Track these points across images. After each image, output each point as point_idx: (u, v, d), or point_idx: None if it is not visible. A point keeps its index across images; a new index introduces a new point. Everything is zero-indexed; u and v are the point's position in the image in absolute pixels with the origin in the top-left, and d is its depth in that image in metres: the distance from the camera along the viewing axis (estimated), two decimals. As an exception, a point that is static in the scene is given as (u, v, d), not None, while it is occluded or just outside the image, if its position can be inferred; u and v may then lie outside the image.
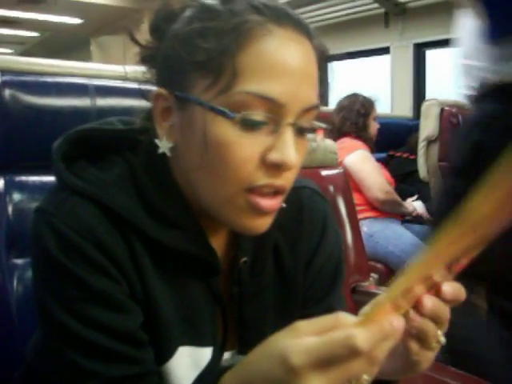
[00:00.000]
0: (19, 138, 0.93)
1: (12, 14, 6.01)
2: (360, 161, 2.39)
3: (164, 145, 0.57)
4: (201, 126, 0.52)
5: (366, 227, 2.31)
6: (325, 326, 0.42)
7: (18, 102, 0.91)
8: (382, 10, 3.72)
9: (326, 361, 0.40)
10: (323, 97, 0.61)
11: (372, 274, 2.17)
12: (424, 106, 2.04)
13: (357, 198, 2.36)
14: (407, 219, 2.53)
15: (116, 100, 1.03)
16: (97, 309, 0.54)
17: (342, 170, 1.44)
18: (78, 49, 7.60)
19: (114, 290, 0.54)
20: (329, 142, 1.46)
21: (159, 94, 0.57)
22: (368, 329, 0.40)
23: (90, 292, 0.53)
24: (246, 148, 0.52)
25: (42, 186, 0.96)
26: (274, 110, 0.52)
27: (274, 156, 0.52)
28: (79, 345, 0.53)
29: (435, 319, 0.48)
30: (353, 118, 2.52)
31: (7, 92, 0.90)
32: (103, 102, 1.01)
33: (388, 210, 2.43)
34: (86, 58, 7.13)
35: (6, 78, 0.91)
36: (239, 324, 0.65)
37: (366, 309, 0.43)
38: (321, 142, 1.45)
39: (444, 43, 3.46)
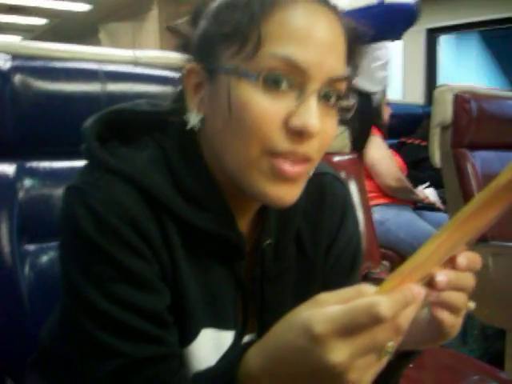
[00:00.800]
0: (29, 123, 0.93)
1: (20, 1, 6.00)
2: (373, 147, 2.36)
3: (194, 117, 0.58)
4: (226, 91, 0.54)
5: (377, 214, 2.30)
6: (347, 297, 0.42)
7: (28, 88, 0.91)
8: (394, -5, 3.67)
9: (350, 329, 0.40)
10: (356, 76, 0.61)
11: (383, 262, 2.17)
12: (437, 92, 2.01)
13: (368, 185, 2.35)
14: (419, 206, 2.51)
15: (126, 85, 1.02)
16: (127, 288, 0.54)
17: (354, 156, 1.42)
18: (87, 36, 7.59)
19: (145, 270, 0.55)
20: (341, 129, 1.45)
21: (191, 70, 0.59)
22: (390, 296, 0.40)
23: (123, 271, 0.54)
24: (269, 110, 0.52)
25: (53, 172, 0.96)
26: (299, 75, 0.52)
27: (295, 121, 0.52)
28: (105, 322, 0.54)
29: (457, 290, 0.48)
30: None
31: (17, 77, 0.90)
32: (113, 86, 1.00)
33: (400, 197, 2.41)
34: (95, 45, 7.11)
35: (17, 62, 0.91)
36: (260, 307, 0.66)
37: (386, 280, 0.42)
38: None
39: (457, 28, 3.42)
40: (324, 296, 0.43)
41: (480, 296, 1.93)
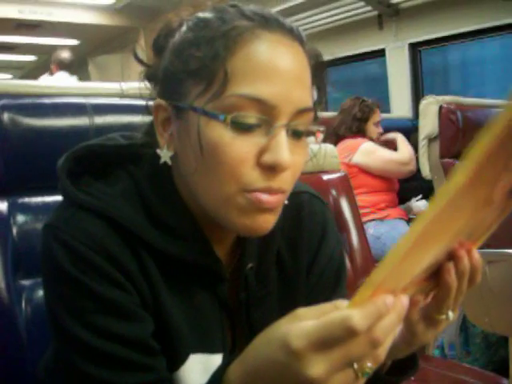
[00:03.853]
0: (20, 160, 0.94)
1: (9, 39, 6.07)
2: (368, 154, 2.40)
3: (165, 154, 0.59)
4: (195, 131, 0.54)
5: (372, 229, 2.31)
6: (324, 311, 0.43)
7: (17, 125, 0.92)
8: (376, 13, 3.73)
9: (326, 343, 0.40)
10: (322, 103, 0.62)
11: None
12: (422, 105, 2.04)
13: (363, 201, 2.36)
14: (413, 219, 2.53)
15: (114, 117, 1.03)
16: (109, 319, 0.55)
17: (343, 174, 1.44)
18: (77, 69, 7.65)
19: (125, 299, 0.56)
20: (329, 147, 1.46)
21: (158, 106, 0.59)
22: (363, 308, 0.40)
23: (102, 303, 0.55)
24: (240, 149, 0.53)
25: (45, 206, 0.97)
26: (267, 111, 0.53)
27: (267, 157, 0.53)
28: (92, 355, 0.54)
29: (464, 278, 0.52)
30: (348, 123, 2.53)
31: (6, 116, 0.91)
32: (101, 119, 1.02)
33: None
34: (85, 77, 7.18)
35: (4, 101, 0.92)
36: (247, 329, 0.66)
37: (358, 292, 0.42)
38: (320, 145, 1.46)
39: (438, 41, 3.48)
40: (302, 311, 0.44)
41: (479, 304, 1.93)
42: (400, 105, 3.65)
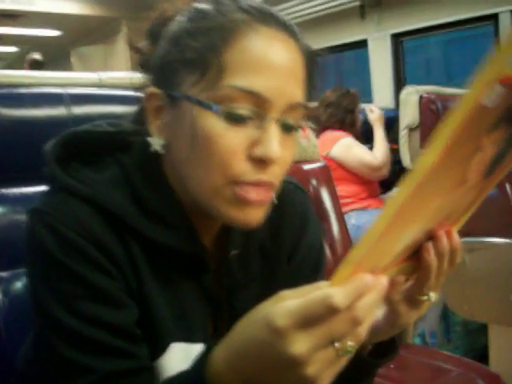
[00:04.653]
0: (-3, 151, 0.93)
1: (-11, 30, 5.98)
2: (345, 150, 2.40)
3: (156, 142, 0.59)
4: (189, 120, 0.55)
5: (354, 219, 2.33)
6: (306, 291, 0.43)
7: (-6, 115, 0.91)
8: (358, 3, 3.74)
9: (308, 321, 0.41)
10: (312, 97, 0.62)
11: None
12: (402, 95, 2.05)
13: (344, 190, 2.38)
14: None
15: (91, 107, 1.03)
16: (94, 304, 0.55)
17: (323, 164, 1.45)
18: (59, 61, 7.56)
19: (110, 286, 0.56)
20: (310, 137, 1.47)
21: (152, 94, 0.59)
22: (343, 287, 0.41)
23: (87, 288, 0.55)
24: (231, 141, 0.54)
25: (23, 197, 0.96)
26: (259, 104, 0.54)
27: (258, 150, 0.54)
28: (75, 340, 0.54)
29: (444, 258, 0.54)
30: (340, 115, 2.53)
31: (-19, 106, 0.90)
32: (79, 109, 1.01)
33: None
34: (68, 69, 7.11)
35: (-20, 92, 0.91)
36: (229, 317, 0.66)
37: (337, 271, 0.43)
38: (308, 138, 1.46)
39: (420, 31, 3.49)
40: (285, 292, 0.45)
41: (458, 292, 1.97)
42: (382, 95, 3.67)
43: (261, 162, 0.54)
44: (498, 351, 1.81)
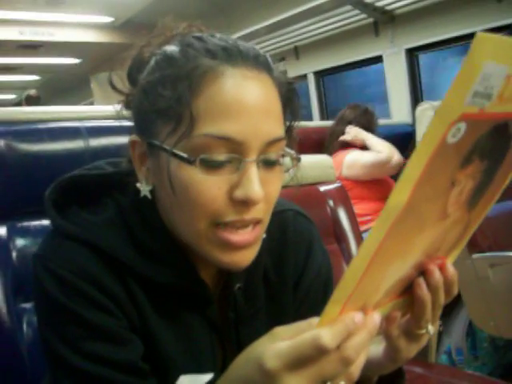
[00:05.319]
0: (18, 185, 0.96)
1: (12, 60, 6.15)
2: (352, 166, 2.37)
3: (143, 188, 0.60)
4: (167, 171, 0.55)
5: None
6: (299, 330, 0.44)
7: (14, 151, 0.94)
8: (371, 20, 3.75)
9: (298, 362, 0.42)
10: (292, 128, 0.62)
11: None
12: (418, 111, 2.05)
13: (362, 209, 2.36)
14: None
15: (108, 139, 1.05)
16: (99, 344, 0.56)
17: (339, 184, 1.45)
18: (79, 87, 7.73)
19: (113, 324, 0.57)
20: (325, 158, 1.48)
21: (134, 142, 0.60)
22: (332, 327, 0.42)
23: (91, 328, 0.56)
24: (211, 188, 0.54)
25: (44, 229, 0.99)
26: (235, 148, 0.54)
27: (238, 193, 0.54)
28: (85, 380, 0.55)
29: (438, 291, 0.53)
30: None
31: (2, 142, 0.93)
32: (96, 142, 1.03)
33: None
34: (88, 95, 7.25)
35: (0, 129, 0.94)
36: (237, 347, 0.67)
37: (325, 310, 0.43)
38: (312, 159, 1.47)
39: (435, 45, 3.48)
40: (278, 329, 0.46)
41: (484, 308, 1.93)
42: (399, 110, 3.66)
43: (243, 204, 0.54)
44: (526, 368, 1.76)
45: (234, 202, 0.54)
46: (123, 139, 1.06)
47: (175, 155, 0.54)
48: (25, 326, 0.92)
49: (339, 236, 1.41)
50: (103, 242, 0.58)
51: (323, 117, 4.49)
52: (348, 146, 2.51)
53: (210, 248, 0.57)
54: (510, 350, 2.03)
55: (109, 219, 0.61)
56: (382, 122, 3.01)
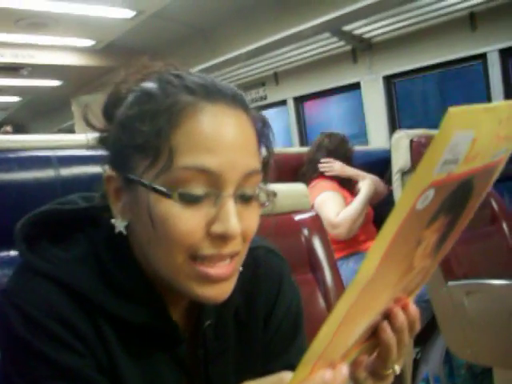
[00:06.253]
0: (-14, 216, 0.94)
1: (-9, 82, 6.12)
2: (319, 206, 2.33)
3: (119, 224, 0.59)
4: (145, 205, 0.55)
5: (352, 263, 2.31)
6: None
7: (-18, 181, 0.93)
8: (350, 47, 3.83)
9: None
10: (267, 163, 0.64)
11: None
12: (393, 140, 2.07)
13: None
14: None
15: (80, 169, 1.04)
16: None
17: (314, 213, 1.45)
18: (60, 109, 7.70)
19: (80, 364, 0.56)
20: (300, 186, 1.48)
21: (110, 176, 0.60)
22: None
23: (56, 368, 0.55)
24: (189, 221, 0.54)
25: (11, 261, 0.96)
26: (213, 181, 0.54)
27: (216, 227, 0.54)
28: None
29: (403, 332, 0.54)
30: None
31: (-30, 172, 0.92)
32: (67, 171, 1.02)
33: (349, 232, 2.30)
34: (69, 118, 7.22)
35: (-32, 158, 0.93)
36: None
37: (297, 369, 0.43)
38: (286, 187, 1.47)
39: (411, 73, 3.56)
40: None
41: (460, 336, 1.93)
42: (377, 136, 3.71)
43: (221, 238, 0.55)
44: (503, 396, 1.77)
45: (211, 237, 0.55)
46: (95, 169, 1.04)
47: (154, 189, 0.54)
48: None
49: (314, 265, 1.40)
50: (73, 280, 0.57)
51: (302, 143, 4.53)
52: (320, 173, 2.51)
53: (187, 282, 0.57)
54: (487, 377, 2.03)
55: (80, 256, 0.60)
56: (359, 148, 3.05)
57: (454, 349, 1.92)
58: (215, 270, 0.56)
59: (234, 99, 0.58)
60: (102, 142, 0.64)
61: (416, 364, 2.17)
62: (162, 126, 0.54)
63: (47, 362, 0.54)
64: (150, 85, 0.58)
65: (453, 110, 0.33)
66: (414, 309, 0.55)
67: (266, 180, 0.62)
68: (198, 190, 0.54)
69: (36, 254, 0.59)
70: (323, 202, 2.36)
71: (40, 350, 0.54)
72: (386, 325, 0.53)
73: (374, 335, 0.54)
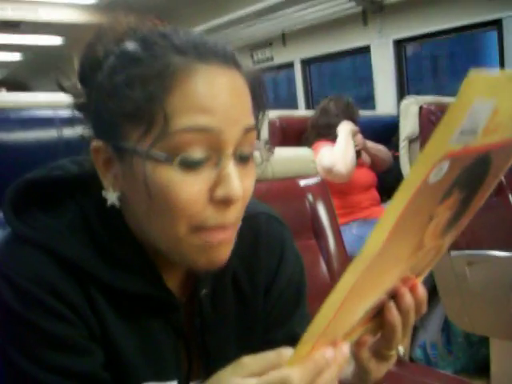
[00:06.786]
0: (-13, 175, 0.93)
1: (-8, 38, 6.01)
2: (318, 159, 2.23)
3: (111, 196, 0.57)
4: (142, 175, 0.52)
5: (355, 229, 2.31)
6: (268, 363, 0.43)
7: (-17, 140, 0.91)
8: (360, 9, 3.73)
9: None
10: (263, 122, 0.62)
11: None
12: (402, 105, 2.04)
13: (343, 201, 2.36)
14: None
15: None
16: (56, 353, 0.54)
17: (320, 178, 1.43)
18: (63, 68, 7.60)
19: (71, 333, 0.55)
20: (305, 150, 1.45)
21: (97, 147, 0.56)
22: (302, 366, 0.41)
23: (48, 338, 0.54)
24: (191, 188, 0.52)
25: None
26: (213, 142, 0.52)
27: (219, 192, 0.52)
28: None
29: (408, 314, 0.53)
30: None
31: (-30, 131, 0.90)
32: (70, 132, 1.00)
33: (346, 170, 2.25)
34: (73, 76, 7.13)
35: (-31, 116, 0.91)
36: (203, 354, 0.66)
37: (299, 345, 0.43)
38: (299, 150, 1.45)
39: (423, 37, 3.48)
40: (246, 361, 0.44)
41: (459, 304, 1.95)
42: (385, 102, 3.65)
43: (224, 203, 0.53)
44: (499, 365, 1.79)
45: (214, 203, 0.53)
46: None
47: (150, 157, 0.51)
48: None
49: (317, 232, 1.40)
50: (63, 248, 0.56)
51: (309, 106, 4.47)
52: (323, 137, 2.46)
53: (188, 252, 0.55)
54: (484, 345, 2.05)
55: (71, 223, 0.58)
56: (366, 113, 3.01)
57: (453, 317, 1.93)
58: (217, 237, 0.54)
59: (225, 57, 0.55)
60: (80, 109, 0.60)
61: (414, 331, 2.19)
62: (155, 91, 0.51)
63: (39, 332, 0.54)
64: (132, 46, 0.54)
65: (474, 74, 0.30)
66: (421, 290, 0.54)
67: (258, 139, 0.60)
68: (198, 153, 0.52)
69: (24, 222, 0.57)
70: (317, 153, 2.30)
71: (31, 321, 0.54)
72: (391, 305, 0.53)
73: (378, 315, 0.54)
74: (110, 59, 0.55)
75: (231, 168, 0.53)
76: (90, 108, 0.57)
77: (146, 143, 0.52)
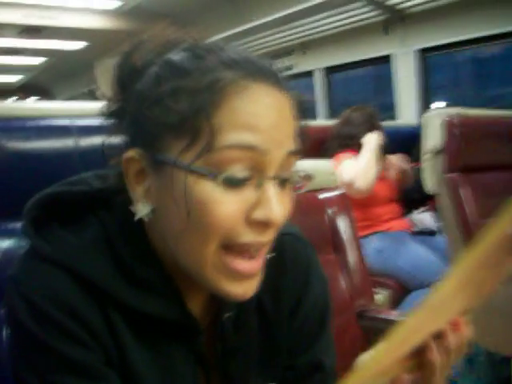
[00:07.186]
0: (4, 184, 0.91)
1: (15, 43, 6.09)
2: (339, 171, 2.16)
3: (140, 210, 0.55)
4: (181, 189, 0.50)
5: (374, 243, 2.26)
6: None
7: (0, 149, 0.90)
8: (382, 18, 3.69)
9: None
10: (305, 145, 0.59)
11: (382, 291, 2.13)
12: (425, 118, 1.99)
13: (364, 213, 2.31)
14: (417, 232, 2.47)
15: (99, 139, 1.00)
16: (70, 378, 0.52)
17: (340, 191, 1.40)
18: (84, 72, 7.68)
19: (87, 358, 0.53)
20: (324, 163, 1.43)
21: (131, 158, 0.54)
22: None
23: (64, 362, 0.52)
24: (230, 206, 0.50)
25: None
26: (256, 162, 0.51)
27: (258, 214, 0.51)
28: None
29: (449, 353, 0.53)
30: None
31: (-13, 139, 0.89)
32: (86, 141, 0.99)
33: (366, 185, 2.17)
34: (93, 81, 7.20)
35: (-14, 125, 0.90)
36: (224, 380, 0.63)
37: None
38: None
39: (446, 47, 3.42)
40: None
41: (482, 323, 1.89)
42: (406, 112, 3.60)
43: (261, 225, 0.51)
44: (523, 387, 1.73)
45: (250, 223, 0.51)
46: (116, 139, 1.03)
47: (193, 171, 0.50)
48: (5, 332, 0.88)
49: (337, 246, 1.37)
50: (83, 267, 0.54)
51: (330, 116, 4.43)
52: (345, 147, 2.41)
53: (214, 275, 0.53)
54: (507, 365, 1.99)
55: (92, 241, 0.56)
56: (387, 123, 2.96)
57: (475, 336, 1.88)
58: (245, 265, 0.53)
59: (276, 77, 0.54)
60: (115, 115, 0.59)
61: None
62: (202, 105, 0.50)
63: (53, 354, 0.52)
64: (178, 57, 0.53)
65: None
66: (465, 330, 0.53)
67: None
68: (241, 172, 0.50)
69: (44, 238, 0.55)
70: (339, 165, 2.23)
71: (46, 342, 0.52)
72: (433, 345, 0.52)
73: (418, 354, 0.52)
74: (152, 69, 0.54)
75: (272, 191, 0.52)
76: (126, 117, 0.56)
77: (188, 157, 0.50)
